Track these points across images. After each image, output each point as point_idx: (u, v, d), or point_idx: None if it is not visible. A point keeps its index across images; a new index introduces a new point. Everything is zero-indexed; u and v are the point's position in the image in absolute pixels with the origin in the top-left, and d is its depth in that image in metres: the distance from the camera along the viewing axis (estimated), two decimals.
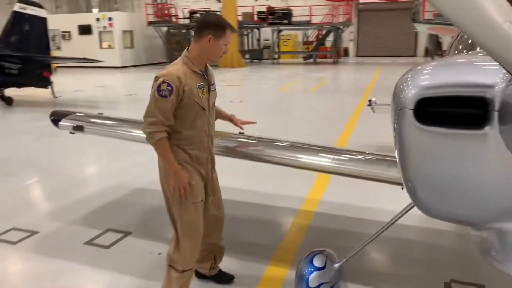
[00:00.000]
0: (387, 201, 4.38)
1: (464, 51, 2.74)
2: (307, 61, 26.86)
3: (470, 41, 2.77)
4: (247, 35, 26.70)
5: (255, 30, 27.38)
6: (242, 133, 3.50)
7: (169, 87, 2.43)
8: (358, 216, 4.23)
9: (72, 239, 3.85)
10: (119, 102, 12.39)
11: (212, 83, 2.73)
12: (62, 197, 4.90)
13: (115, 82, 18.10)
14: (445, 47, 24.21)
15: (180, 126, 2.57)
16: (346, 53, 29.27)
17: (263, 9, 25.31)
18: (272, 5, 26.29)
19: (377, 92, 12.53)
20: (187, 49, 2.60)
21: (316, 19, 25.24)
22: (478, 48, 2.70)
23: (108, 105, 11.81)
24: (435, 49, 22.85)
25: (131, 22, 24.74)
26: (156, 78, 2.47)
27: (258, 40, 27.94)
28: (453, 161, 1.59)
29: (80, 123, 3.63)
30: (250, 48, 27.20)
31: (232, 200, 4.75)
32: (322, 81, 16.43)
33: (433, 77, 1.67)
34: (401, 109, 1.61)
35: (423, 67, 1.75)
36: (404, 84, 1.70)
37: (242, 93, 13.72)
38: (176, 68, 2.52)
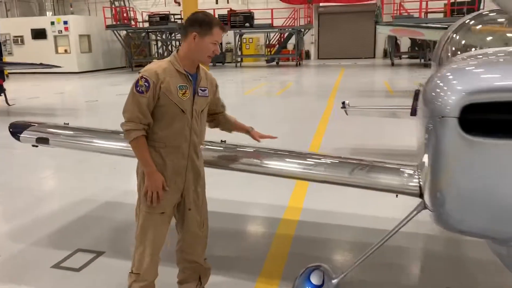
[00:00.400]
0: (370, 206, 4.29)
1: (458, 53, 2.65)
2: (270, 64, 26.88)
3: (463, 42, 2.70)
4: None
5: None
6: (224, 141, 3.29)
7: (146, 83, 2.33)
8: (343, 223, 4.10)
9: (38, 263, 3.49)
10: (79, 109, 11.80)
11: (203, 87, 2.52)
12: (23, 215, 4.49)
13: (73, 88, 17.35)
14: (403, 48, 24.89)
15: (157, 127, 2.44)
16: (307, 55, 29.52)
17: (224, 12, 25.09)
18: (233, 8, 26.14)
19: (342, 94, 12.61)
20: (177, 48, 2.49)
21: (277, 22, 25.27)
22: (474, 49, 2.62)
23: (67, 112, 11.25)
24: (393, 51, 23.36)
25: (88, 26, 23.89)
26: (139, 73, 2.41)
27: (220, 43, 27.65)
28: (498, 174, 1.45)
29: (44, 135, 3.29)
30: None
31: (210, 211, 4.52)
32: (287, 84, 16.40)
33: (480, 79, 1.48)
34: (442, 117, 1.43)
35: (463, 67, 1.56)
36: (443, 87, 1.51)
37: None
38: (159, 64, 2.42)
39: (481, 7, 20.69)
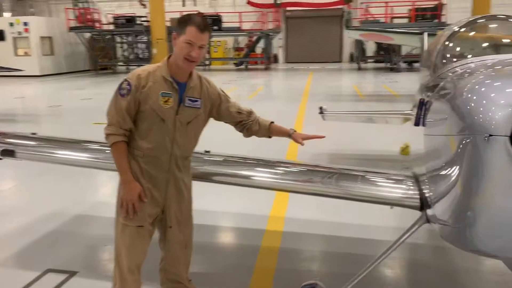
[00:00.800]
0: (354, 215, 4.20)
1: (454, 59, 2.58)
2: (239, 67, 26.74)
3: (458, 49, 2.63)
4: None
5: None
6: (208, 151, 3.10)
7: (128, 86, 2.21)
8: (328, 233, 3.98)
9: (3, 286, 3.18)
10: (42, 115, 11.24)
11: (193, 98, 2.32)
12: None
13: (35, 92, 16.60)
14: (368, 53, 25.31)
15: (137, 134, 2.31)
16: (276, 59, 29.57)
17: None
18: (200, 11, 25.83)
19: (314, 98, 12.62)
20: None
21: (245, 26, 25.17)
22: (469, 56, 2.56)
23: (29, 118, 10.67)
24: (360, 55, 23.72)
25: (50, 28, 22.99)
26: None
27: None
28: None
29: (9, 147, 2.99)
30: None
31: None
32: (258, 87, 16.29)
33: None
34: (490, 135, 1.31)
35: (505, 77, 1.42)
36: (490, 102, 1.37)
37: None
38: (145, 68, 2.30)
39: (443, 13, 21.37)
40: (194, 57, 2.20)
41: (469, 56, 2.48)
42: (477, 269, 3.34)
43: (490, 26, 2.85)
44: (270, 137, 2.74)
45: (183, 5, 29.50)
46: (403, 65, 22.17)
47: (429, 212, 2.18)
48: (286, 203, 4.65)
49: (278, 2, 25.32)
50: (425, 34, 5.70)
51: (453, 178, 1.59)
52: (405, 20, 22.63)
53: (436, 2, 21.61)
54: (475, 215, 1.50)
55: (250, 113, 2.69)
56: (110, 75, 23.02)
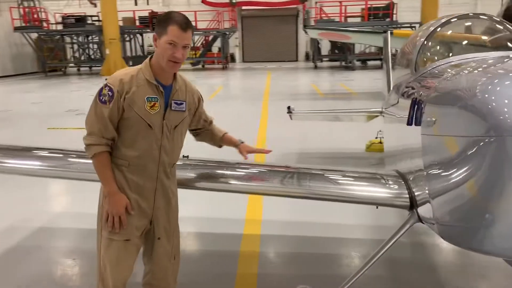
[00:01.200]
0: (329, 214, 4.18)
1: (437, 58, 2.59)
2: (195, 67, 26.41)
3: (438, 48, 2.65)
4: (130, 40, 25.28)
5: (138, 35, 26.09)
6: (187, 156, 2.96)
7: (110, 92, 2.06)
8: (307, 235, 3.94)
9: None
10: None
11: (178, 101, 2.19)
12: None
13: None
14: (323, 51, 25.72)
15: (120, 142, 2.16)
16: (233, 58, 29.47)
17: (146, 14, 24.18)
18: (154, 10, 25.28)
19: (275, 97, 12.65)
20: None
21: (200, 25, 24.86)
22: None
23: None
24: (316, 54, 24.06)
25: None
26: (105, 80, 2.14)
27: (142, 46, 26.68)
28: None
29: None
30: (134, 54, 25.81)
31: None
32: (217, 87, 16.12)
33: None
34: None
35: None
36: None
37: None
38: (126, 71, 2.14)
39: (394, 12, 22.08)
40: (179, 58, 2.07)
41: (452, 55, 2.51)
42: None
43: (470, 24, 2.90)
44: (220, 146, 2.73)
45: (136, 4, 28.80)
46: (357, 63, 22.69)
47: (422, 211, 2.17)
48: (261, 205, 4.58)
49: (234, 1, 25.20)
50: (389, 33, 5.80)
51: (462, 178, 1.57)
52: (358, 19, 23.22)
53: (387, 2, 22.30)
54: (492, 216, 1.49)
55: (211, 122, 2.67)
56: (60, 77, 22.04)
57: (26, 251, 3.77)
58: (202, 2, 29.01)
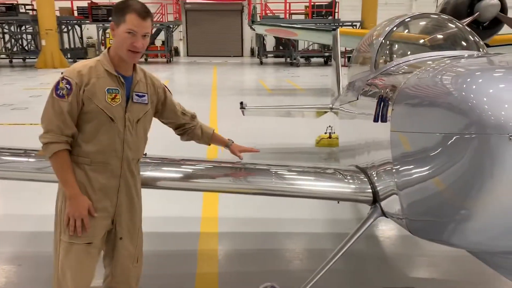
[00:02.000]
0: (284, 210, 4.22)
1: (396, 56, 2.67)
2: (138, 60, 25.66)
3: (397, 46, 2.74)
4: (68, 32, 24.03)
5: (76, 27, 24.87)
6: (145, 154, 2.85)
7: (68, 85, 1.95)
8: (266, 230, 3.95)
9: None
10: None
11: (140, 93, 2.11)
12: None
13: None
14: (268, 47, 25.89)
15: (81, 138, 2.04)
16: (177, 52, 28.90)
17: (85, 4, 23.09)
18: (94, 1, 24.20)
19: (223, 92, 12.57)
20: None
21: None
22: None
23: None
24: (262, 50, 24.20)
25: None
26: (61, 74, 2.00)
27: (81, 38, 25.47)
28: None
29: None
30: (73, 46, 24.58)
31: None
32: (163, 81, 15.73)
33: None
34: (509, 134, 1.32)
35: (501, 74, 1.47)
36: (498, 101, 1.40)
37: None
38: (85, 63, 2.05)
39: (336, 10, 22.69)
40: (139, 47, 2.00)
41: (410, 53, 2.60)
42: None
43: (425, 23, 3.03)
44: (209, 144, 2.68)
45: None
46: (301, 60, 23.05)
47: (385, 205, 2.24)
48: (217, 202, 4.53)
49: None
50: (338, 31, 5.94)
51: (432, 173, 1.63)
52: (302, 17, 23.63)
53: (330, 0, 22.86)
54: (461, 211, 1.56)
55: (193, 116, 2.59)
56: None
57: None
58: None
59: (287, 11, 22.32)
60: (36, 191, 4.57)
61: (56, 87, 1.96)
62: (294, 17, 23.18)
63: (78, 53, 24.70)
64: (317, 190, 2.55)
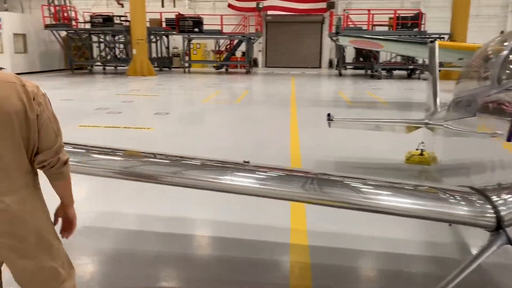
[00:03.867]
0: (382, 228, 4.04)
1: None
2: (219, 70, 26.49)
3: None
4: (156, 42, 25.49)
5: (164, 37, 26.29)
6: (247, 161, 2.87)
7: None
8: (358, 248, 3.81)
9: None
10: None
11: None
12: None
13: None
14: (347, 59, 25.49)
15: None
16: (255, 63, 29.46)
17: (172, 16, 24.36)
18: (180, 12, 25.45)
19: (303, 103, 12.55)
20: None
21: (226, 29, 24.93)
22: None
23: None
24: (341, 61, 23.88)
25: (24, 25, 22.10)
26: (36, 93, 1.79)
27: (167, 48, 26.88)
28: None
29: None
30: (159, 56, 26.01)
31: (211, 236, 4.06)
32: (243, 91, 16.09)
33: None
34: None
35: None
36: None
37: (165, 105, 12.79)
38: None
39: (423, 22, 21.80)
40: None
41: None
42: None
43: None
44: None
45: (162, 5, 29.04)
46: (382, 72, 22.41)
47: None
48: (304, 213, 4.47)
49: (260, 6, 25.19)
50: (437, 43, 5.65)
51: None
52: (385, 28, 23.00)
53: (416, 11, 22.04)
54: None
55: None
56: (87, 75, 22.32)
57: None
58: (229, 6, 29.14)
59: (370, 23, 21.81)
60: (135, 191, 4.84)
61: (49, 103, 1.88)
62: (377, 28, 22.61)
63: (164, 62, 26.11)
64: (419, 210, 2.39)
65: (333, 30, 13.40)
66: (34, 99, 1.75)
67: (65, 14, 23.24)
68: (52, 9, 23.14)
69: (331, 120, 5.84)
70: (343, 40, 11.53)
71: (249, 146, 7.51)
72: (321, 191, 2.61)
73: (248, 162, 2.86)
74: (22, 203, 1.76)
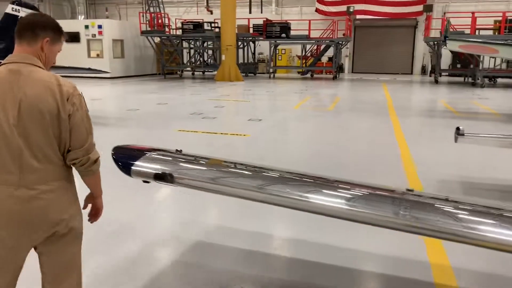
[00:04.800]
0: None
1: None
2: (304, 76, 26.05)
3: None
4: (243, 48, 25.69)
5: (251, 43, 26.44)
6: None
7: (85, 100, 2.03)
8: None
9: None
10: (123, 118, 10.98)
11: None
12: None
13: (110, 94, 16.69)
14: (442, 65, 23.72)
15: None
16: (341, 69, 28.61)
17: (260, 22, 24.39)
18: (268, 18, 25.43)
19: (403, 113, 11.66)
20: (25, 54, 1.91)
21: (313, 34, 24.40)
22: None
23: (111, 121, 10.42)
24: (438, 67, 22.24)
25: (122, 31, 23.39)
26: (72, 94, 1.92)
27: (253, 53, 27.00)
28: None
29: (165, 169, 2.37)
30: (246, 61, 26.20)
31: (335, 265, 3.57)
32: (334, 98, 15.46)
33: None
34: None
35: None
36: None
37: (256, 110, 12.58)
38: (65, 79, 2.01)
39: None
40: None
41: None
42: None
43: None
44: None
45: (250, 11, 29.28)
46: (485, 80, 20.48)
47: None
48: (440, 243, 3.82)
49: (351, 10, 24.33)
50: None
51: None
52: (489, 32, 21.07)
53: None
54: None
55: None
56: (177, 80, 23.02)
57: (188, 267, 3.45)
58: (316, 11, 28.64)
59: (474, 26, 20.06)
60: (241, 206, 4.50)
61: (84, 103, 1.98)
62: (481, 32, 20.76)
63: (250, 67, 26.24)
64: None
65: (444, 33, 12.28)
66: (68, 100, 1.87)
67: (159, 21, 24.22)
68: (148, 16, 24.24)
69: (462, 135, 5.09)
70: (451, 45, 10.49)
71: (354, 158, 6.93)
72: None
73: (411, 190, 2.34)
74: (54, 192, 1.89)
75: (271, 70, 24.98)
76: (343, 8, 26.13)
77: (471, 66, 21.17)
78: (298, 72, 27.17)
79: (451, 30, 21.09)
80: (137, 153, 2.55)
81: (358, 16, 27.50)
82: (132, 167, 2.40)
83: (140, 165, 2.42)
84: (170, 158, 2.54)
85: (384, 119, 10.95)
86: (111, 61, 22.42)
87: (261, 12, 29.23)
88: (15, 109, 1.78)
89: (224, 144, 7.73)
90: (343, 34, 24.85)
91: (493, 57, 18.65)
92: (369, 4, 27.08)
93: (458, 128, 5.19)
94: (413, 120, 10.51)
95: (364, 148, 7.62)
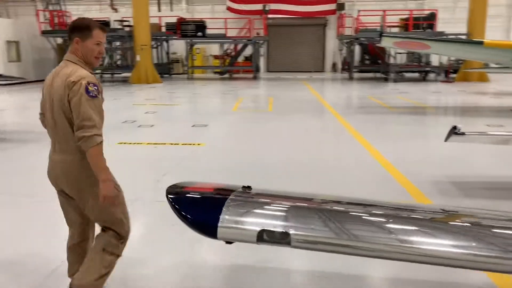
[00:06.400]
0: None
1: None
2: (223, 76, 25.38)
3: None
4: (156, 48, 24.22)
5: (164, 42, 25.08)
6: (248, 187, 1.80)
7: (95, 87, 2.36)
8: None
9: None
10: (41, 131, 9.26)
11: None
12: None
13: (9, 104, 14.36)
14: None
15: None
16: (257, 68, 28.45)
17: (171, 20, 23.17)
18: (180, 16, 24.29)
19: (344, 111, 11.61)
20: (68, 54, 2.51)
21: (230, 33, 23.82)
22: None
23: (33, 137, 8.59)
24: (353, 65, 23.04)
25: (17, 31, 20.62)
26: (74, 82, 2.32)
27: (167, 53, 25.67)
28: None
29: (274, 223, 1.53)
30: (161, 61, 24.79)
31: None
32: (267, 98, 15.03)
33: None
34: None
35: None
36: None
37: (195, 115, 11.64)
38: (85, 71, 2.42)
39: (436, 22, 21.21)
40: (102, 53, 2.53)
41: None
42: None
43: None
44: None
45: (159, 10, 27.79)
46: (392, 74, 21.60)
47: None
48: None
49: (267, 9, 24.21)
50: None
51: None
52: (396, 30, 22.32)
53: (429, 11, 21.44)
54: None
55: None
56: None
57: None
58: (228, 9, 28.11)
59: (385, 24, 21.03)
60: None
61: (87, 91, 2.29)
62: (392, 30, 21.87)
63: (164, 68, 24.85)
64: None
65: (379, 30, 12.47)
66: (69, 88, 2.31)
67: (61, 20, 21.81)
68: (47, 14, 21.67)
69: (462, 133, 4.79)
70: (386, 42, 10.59)
71: (324, 163, 6.45)
72: None
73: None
74: (72, 162, 2.41)
75: (189, 71, 23.90)
76: (255, 6, 25.99)
77: (381, 61, 22.27)
78: (215, 72, 26.42)
79: (362, 28, 22.03)
80: (210, 200, 1.69)
81: (271, 16, 27.52)
82: (220, 225, 1.54)
83: (230, 220, 1.56)
84: (259, 205, 1.71)
85: (328, 117, 10.76)
86: (5, 65, 19.63)
87: (171, 10, 27.94)
88: (51, 98, 2.39)
89: (182, 157, 6.75)
90: (257, 34, 24.56)
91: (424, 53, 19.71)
92: (281, 3, 27.23)
93: (454, 127, 4.88)
94: (358, 117, 10.37)
95: (335, 153, 7.18)
